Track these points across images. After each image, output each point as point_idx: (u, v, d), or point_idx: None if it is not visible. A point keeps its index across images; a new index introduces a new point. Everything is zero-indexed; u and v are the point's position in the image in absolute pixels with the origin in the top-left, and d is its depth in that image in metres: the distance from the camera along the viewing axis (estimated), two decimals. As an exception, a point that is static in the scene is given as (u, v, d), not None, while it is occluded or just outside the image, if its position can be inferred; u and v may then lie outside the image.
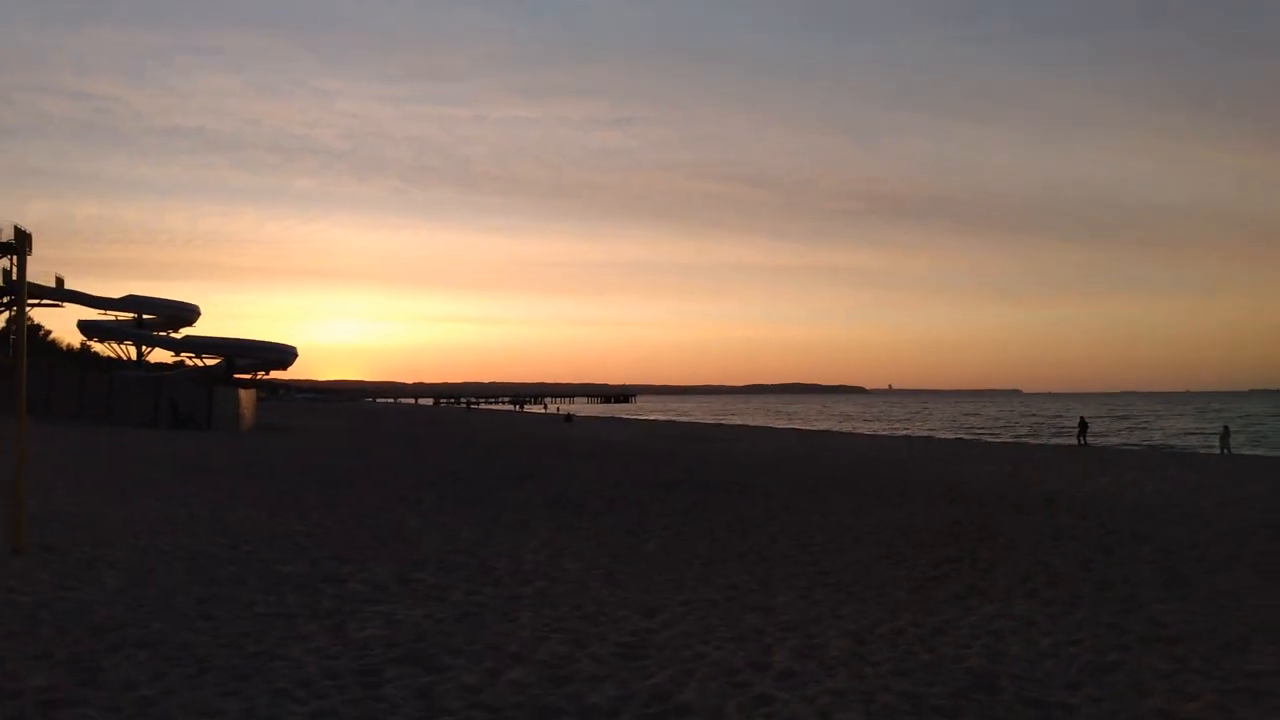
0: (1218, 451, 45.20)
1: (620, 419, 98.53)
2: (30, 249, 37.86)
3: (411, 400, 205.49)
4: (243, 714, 5.37)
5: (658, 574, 10.43)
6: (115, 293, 51.54)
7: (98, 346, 73.41)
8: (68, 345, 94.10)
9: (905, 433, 69.28)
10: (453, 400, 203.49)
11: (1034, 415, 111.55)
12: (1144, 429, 75.67)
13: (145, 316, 51.49)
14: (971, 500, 20.04)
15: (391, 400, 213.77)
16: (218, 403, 45.47)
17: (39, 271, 51.85)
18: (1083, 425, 52.10)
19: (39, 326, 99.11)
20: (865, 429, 76.57)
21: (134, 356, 51.83)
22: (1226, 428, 48.54)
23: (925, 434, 67.91)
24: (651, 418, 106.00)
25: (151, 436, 34.34)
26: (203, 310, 53.33)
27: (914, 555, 12.47)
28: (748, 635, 7.75)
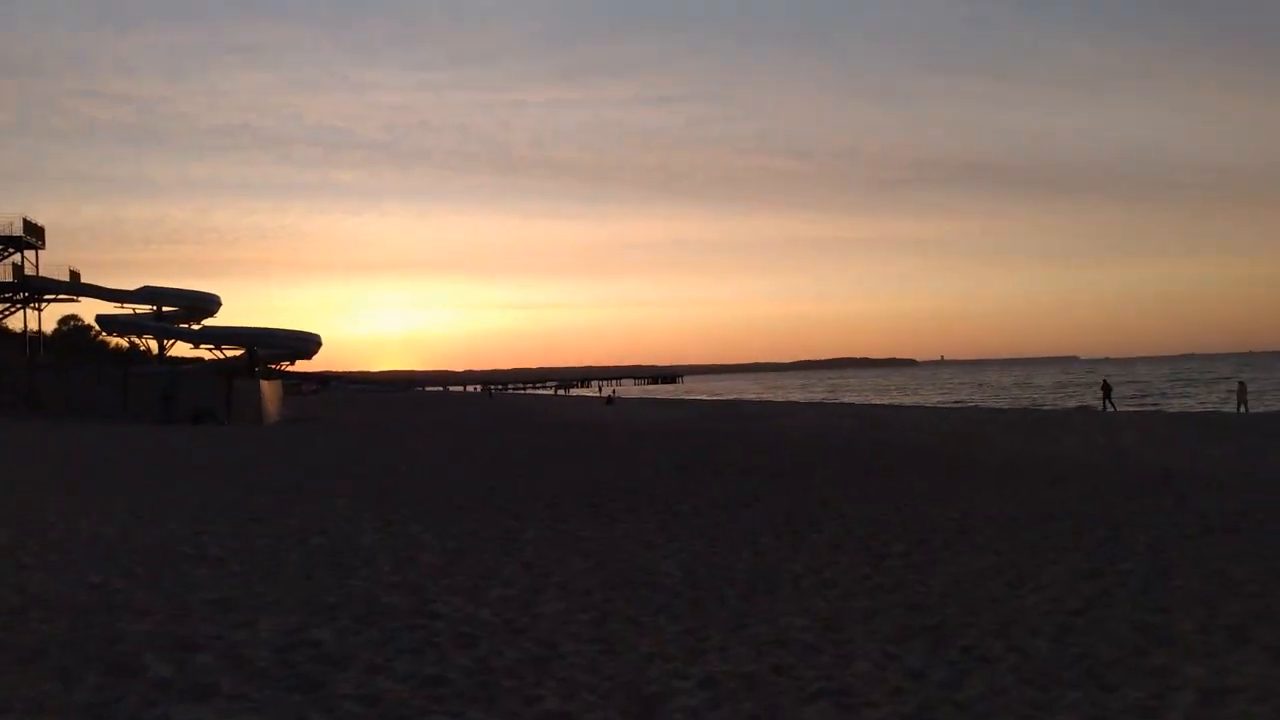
0: (1236, 410, 43.25)
1: (665, 399, 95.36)
2: (44, 243, 35.48)
3: (460, 388, 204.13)
4: None
5: (672, 617, 7.08)
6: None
7: (123, 341, 71.85)
8: (115, 345, 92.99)
9: (966, 404, 65.05)
10: (500, 387, 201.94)
11: (1094, 381, 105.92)
12: (1177, 395, 70.57)
13: (165, 308, 49.14)
14: (1070, 480, 16.40)
15: (440, 388, 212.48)
16: (238, 396, 42.97)
17: (58, 267, 49.79)
18: (1106, 389, 49.49)
19: (90, 327, 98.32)
20: (922, 401, 72.42)
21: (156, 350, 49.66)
22: (1242, 384, 46.44)
23: (987, 404, 63.69)
24: (697, 397, 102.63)
25: (153, 434, 31.76)
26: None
27: (1034, 567, 8.98)
28: (811, 765, 4.37)
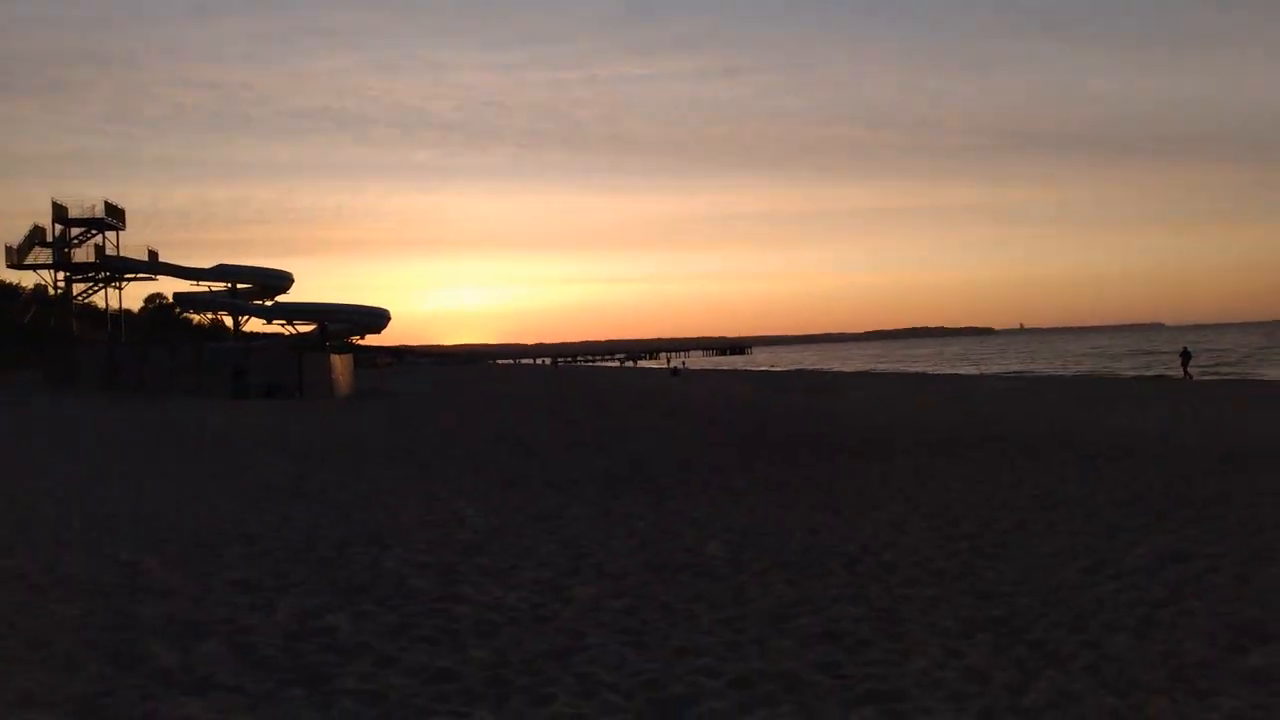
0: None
1: (732, 371, 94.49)
2: (124, 224, 36.28)
3: (530, 360, 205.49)
4: None
5: (710, 605, 6.55)
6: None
7: (205, 319, 73.63)
8: (199, 321, 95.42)
9: (1041, 373, 62.91)
10: (569, 359, 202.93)
11: (1177, 349, 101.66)
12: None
13: (239, 286, 49.95)
14: (1149, 455, 15.34)
15: (511, 361, 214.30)
16: (308, 370, 43.45)
17: (138, 248, 50.99)
18: (1185, 356, 47.60)
19: (173, 305, 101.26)
20: (998, 369, 70.29)
21: (231, 326, 50.65)
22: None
23: (1064, 374, 61.48)
24: (765, 368, 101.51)
25: (223, 409, 32.24)
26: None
27: (1113, 550, 8.22)
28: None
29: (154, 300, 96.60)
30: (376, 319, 49.20)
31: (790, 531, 9.26)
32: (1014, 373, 65.22)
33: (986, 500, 11.05)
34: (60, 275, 48.69)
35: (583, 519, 10.09)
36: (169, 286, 53.20)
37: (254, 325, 53.19)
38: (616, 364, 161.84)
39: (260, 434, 21.33)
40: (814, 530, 9.35)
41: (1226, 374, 53.09)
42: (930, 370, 77.35)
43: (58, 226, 47.86)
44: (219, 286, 49.68)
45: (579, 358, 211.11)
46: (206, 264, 49.11)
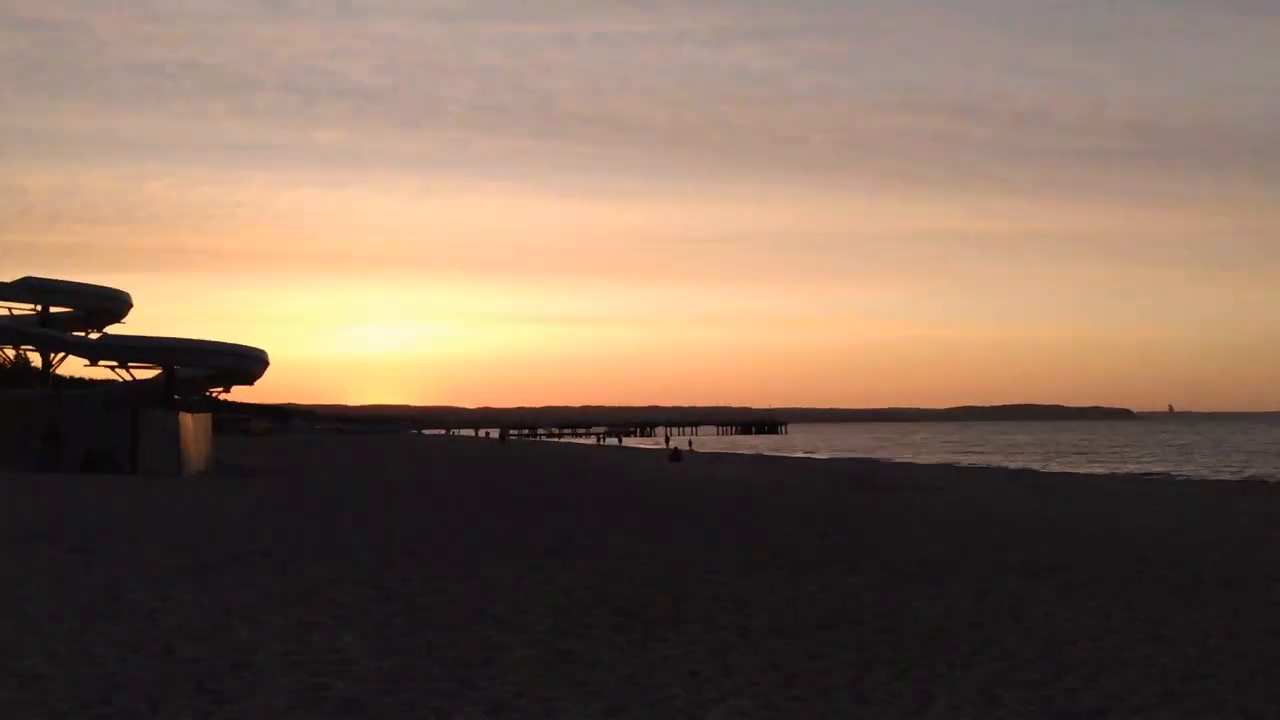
0: None
1: (758, 456, 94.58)
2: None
3: (471, 431, 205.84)
4: None
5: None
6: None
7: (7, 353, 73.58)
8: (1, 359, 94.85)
9: (1199, 475, 62.96)
10: (527, 432, 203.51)
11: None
12: None
13: (53, 309, 49.91)
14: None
15: (444, 431, 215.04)
16: (146, 434, 43.21)
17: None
18: None
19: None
20: (1135, 469, 70.39)
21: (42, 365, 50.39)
22: None
23: (1235, 476, 61.56)
24: (804, 454, 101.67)
25: (24, 486, 31.93)
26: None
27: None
28: None
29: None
30: (248, 363, 49.14)
31: (829, 701, 9.00)
32: (1158, 473, 65.30)
33: (1117, 657, 10.83)
34: None
35: (524, 667, 9.87)
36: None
37: (71, 367, 53.01)
38: (594, 441, 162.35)
39: (64, 527, 21.10)
40: (863, 699, 9.10)
41: None
42: (1037, 465, 77.44)
43: None
44: (24, 308, 49.59)
45: (540, 431, 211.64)
46: (10, 276, 49.12)
